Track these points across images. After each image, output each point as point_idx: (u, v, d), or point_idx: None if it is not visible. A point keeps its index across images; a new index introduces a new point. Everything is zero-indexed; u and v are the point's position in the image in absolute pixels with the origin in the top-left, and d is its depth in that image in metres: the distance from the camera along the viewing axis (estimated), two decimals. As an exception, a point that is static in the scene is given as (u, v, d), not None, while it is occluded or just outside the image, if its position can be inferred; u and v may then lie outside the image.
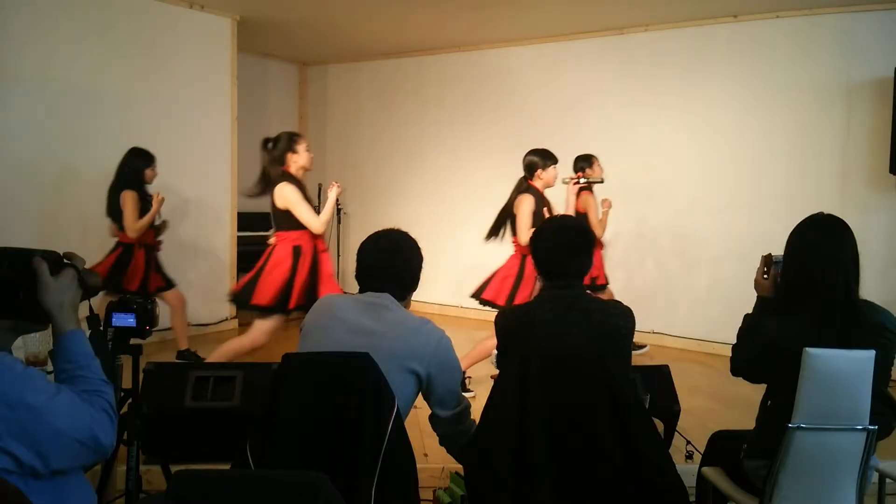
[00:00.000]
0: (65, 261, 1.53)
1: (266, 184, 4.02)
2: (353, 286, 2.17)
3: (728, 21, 5.56)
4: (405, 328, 2.02)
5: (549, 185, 4.37)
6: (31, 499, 1.14)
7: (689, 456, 3.20)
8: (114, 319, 2.16)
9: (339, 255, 7.44)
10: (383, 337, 1.97)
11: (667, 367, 3.22)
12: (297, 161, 3.98)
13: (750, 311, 2.37)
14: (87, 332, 1.56)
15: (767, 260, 2.32)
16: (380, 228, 2.21)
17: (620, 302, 2.22)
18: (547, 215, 4.20)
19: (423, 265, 2.18)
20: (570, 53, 6.40)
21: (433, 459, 3.11)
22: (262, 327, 3.91)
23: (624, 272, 5.79)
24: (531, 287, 4.13)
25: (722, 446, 2.46)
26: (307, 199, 3.96)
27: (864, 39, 5.11)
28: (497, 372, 2.11)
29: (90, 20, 5.12)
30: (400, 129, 7.47)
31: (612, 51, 6.16)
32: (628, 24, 5.99)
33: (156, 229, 4.70)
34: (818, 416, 1.97)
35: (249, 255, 6.78)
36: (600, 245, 5.16)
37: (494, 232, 4.40)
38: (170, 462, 2.51)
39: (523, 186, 4.33)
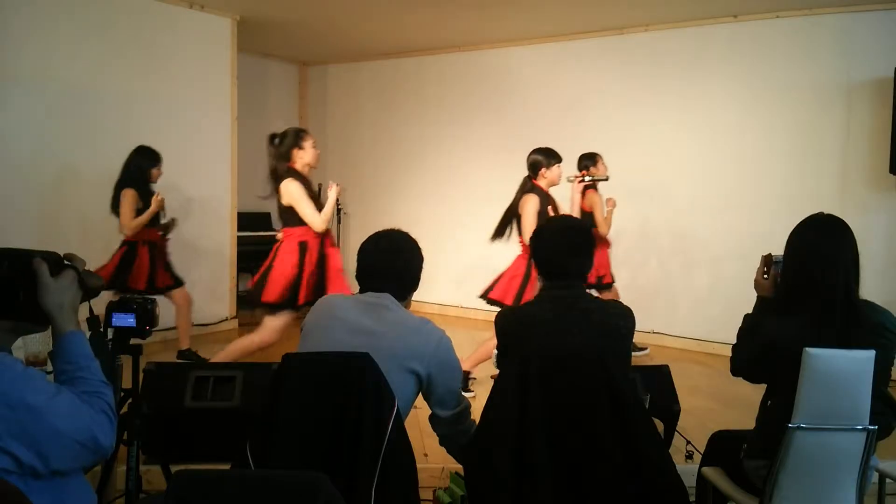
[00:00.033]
0: (65, 262, 1.53)
1: (276, 181, 4.03)
2: (354, 286, 2.17)
3: (728, 21, 5.56)
4: (405, 328, 2.02)
5: (553, 184, 4.36)
6: (31, 499, 1.14)
7: (689, 456, 3.20)
8: (114, 319, 2.16)
9: (339, 255, 7.44)
10: (383, 337, 1.97)
11: (667, 367, 3.22)
12: (303, 158, 3.99)
13: (750, 311, 2.37)
14: (88, 334, 1.56)
15: (767, 260, 2.32)
16: (380, 228, 2.21)
17: (620, 302, 2.22)
18: (552, 214, 4.20)
19: (424, 265, 2.18)
20: (570, 53, 6.40)
21: (433, 459, 3.11)
22: (271, 325, 3.91)
23: (624, 272, 5.78)
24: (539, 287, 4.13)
25: (722, 446, 2.46)
26: (313, 195, 3.97)
27: (864, 39, 5.11)
28: (497, 372, 2.11)
29: (90, 20, 5.12)
30: (400, 129, 7.47)
31: (612, 51, 6.16)
32: (628, 24, 5.99)
33: (164, 227, 4.71)
34: (818, 416, 1.97)
35: (249, 254, 6.82)
36: (607, 243, 5.18)
37: (500, 232, 4.39)
38: (170, 462, 2.51)
39: (528, 186, 4.32)
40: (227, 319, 6.12)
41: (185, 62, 5.69)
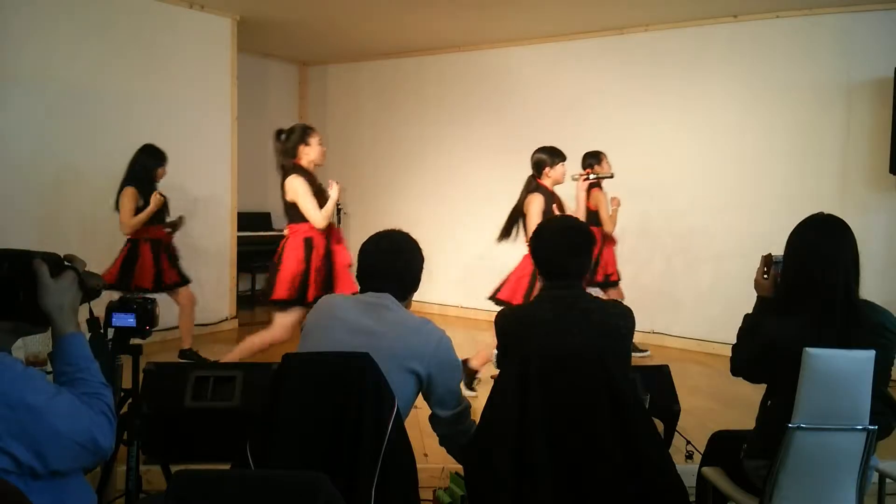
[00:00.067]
0: (65, 263, 1.53)
1: (282, 177, 4.05)
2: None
3: (728, 21, 5.56)
4: (405, 328, 2.02)
5: (558, 183, 4.36)
6: (30, 499, 1.14)
7: (689, 456, 3.20)
8: (114, 319, 2.16)
9: (339, 255, 7.44)
10: (383, 337, 1.97)
11: (667, 367, 3.22)
12: (309, 154, 4.00)
13: (750, 311, 2.37)
14: (88, 335, 1.56)
15: (767, 260, 2.31)
16: (380, 228, 2.21)
17: (620, 302, 2.22)
18: (557, 212, 4.20)
19: (424, 265, 2.18)
20: (570, 53, 6.40)
21: (433, 459, 3.11)
22: (282, 322, 3.92)
23: (625, 272, 5.76)
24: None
25: (722, 446, 2.46)
26: (318, 192, 3.97)
27: (864, 39, 5.11)
28: (497, 372, 2.11)
29: (90, 20, 5.12)
30: (400, 129, 7.47)
31: (612, 51, 6.16)
32: (628, 24, 5.99)
33: (171, 225, 4.71)
34: (818, 416, 1.97)
35: (249, 254, 6.83)
36: (613, 241, 5.19)
37: (506, 233, 4.38)
38: (170, 462, 2.51)
39: (532, 185, 4.32)
40: (227, 319, 6.12)
41: (185, 62, 5.69)
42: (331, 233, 4.03)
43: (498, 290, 4.31)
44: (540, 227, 2.38)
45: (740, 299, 2.71)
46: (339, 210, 7.42)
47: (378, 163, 7.58)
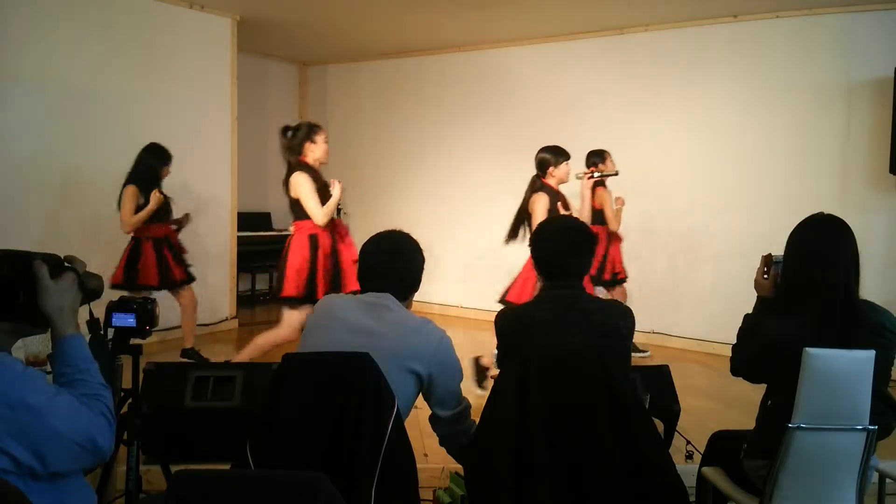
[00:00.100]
0: (65, 264, 1.53)
1: (287, 174, 4.06)
2: (355, 286, 2.18)
3: (728, 21, 5.56)
4: (406, 328, 2.02)
5: (562, 182, 4.36)
6: (30, 499, 1.14)
7: (689, 456, 3.20)
8: (114, 319, 2.16)
9: (339, 255, 7.44)
10: (384, 337, 1.97)
11: (667, 367, 3.22)
12: (314, 152, 4.04)
13: (750, 311, 2.37)
14: (88, 336, 1.56)
15: (767, 260, 2.31)
16: (380, 228, 2.21)
17: (620, 302, 2.23)
18: (563, 211, 4.20)
19: (424, 265, 2.18)
20: (570, 53, 6.40)
21: (433, 459, 3.11)
22: (290, 321, 3.94)
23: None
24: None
25: (722, 446, 2.46)
26: (322, 189, 3.98)
27: (864, 39, 5.11)
28: (497, 372, 2.11)
29: (90, 20, 5.12)
30: (400, 129, 7.47)
31: (612, 51, 6.16)
32: (628, 24, 5.99)
33: (176, 222, 4.72)
34: (818, 416, 1.97)
35: (249, 254, 6.83)
36: (618, 239, 5.20)
37: (514, 234, 4.37)
38: (170, 462, 2.51)
39: (537, 185, 4.32)
40: (227, 319, 6.12)
41: (185, 62, 5.69)
42: (335, 229, 4.04)
43: (506, 292, 4.30)
44: (540, 227, 2.38)
45: (740, 299, 2.71)
46: (339, 210, 7.43)
47: (378, 163, 7.58)
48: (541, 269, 2.23)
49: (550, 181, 4.30)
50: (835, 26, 5.20)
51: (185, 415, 2.95)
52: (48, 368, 1.50)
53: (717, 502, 2.47)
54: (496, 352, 2.24)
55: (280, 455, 1.79)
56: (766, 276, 2.31)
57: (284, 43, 7.13)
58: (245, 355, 4.00)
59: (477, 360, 4.26)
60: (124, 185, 4.44)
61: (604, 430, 1.85)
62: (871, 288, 2.29)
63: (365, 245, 2.17)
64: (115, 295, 2.31)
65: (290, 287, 3.91)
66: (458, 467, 2.49)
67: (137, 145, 4.58)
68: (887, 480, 2.53)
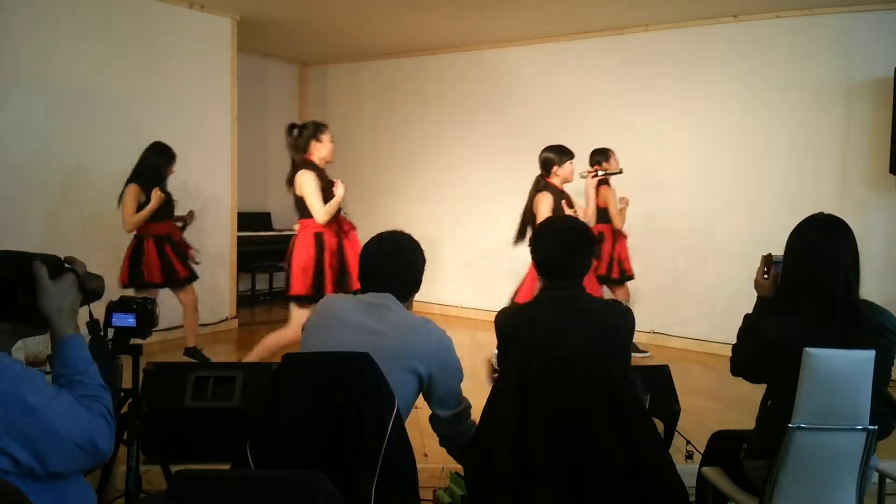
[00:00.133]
0: (65, 265, 1.52)
1: (293, 172, 4.07)
2: (356, 286, 2.18)
3: (728, 21, 5.56)
4: (406, 328, 2.02)
5: (566, 181, 4.37)
6: (30, 499, 1.14)
7: (689, 456, 3.20)
8: (114, 319, 2.16)
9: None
10: (385, 337, 1.97)
11: (667, 367, 3.22)
12: (320, 151, 4.05)
13: (750, 311, 2.37)
14: (88, 337, 1.56)
15: (767, 260, 2.31)
16: (380, 228, 2.21)
17: (620, 301, 2.23)
18: (567, 210, 4.21)
19: (425, 266, 2.19)
20: (570, 53, 6.40)
21: (433, 459, 3.11)
22: (299, 319, 3.95)
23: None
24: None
25: (722, 446, 2.46)
26: (327, 188, 3.99)
27: (864, 39, 5.11)
28: (498, 368, 2.12)
29: (90, 20, 5.12)
30: (400, 129, 7.47)
31: (612, 51, 6.16)
32: (628, 24, 5.99)
33: (180, 219, 4.72)
34: (818, 416, 1.97)
35: (249, 254, 6.83)
36: (623, 236, 5.21)
37: (521, 235, 4.36)
38: (170, 462, 2.51)
39: (541, 184, 4.32)
40: (227, 319, 6.12)
41: (185, 62, 5.69)
42: (340, 226, 4.05)
43: (515, 294, 4.30)
44: (540, 227, 2.38)
45: (740, 299, 2.71)
46: (339, 210, 7.44)
47: (378, 163, 7.58)
48: (541, 269, 2.23)
49: (554, 180, 4.31)
50: (835, 26, 5.20)
51: (185, 415, 2.95)
52: (48, 369, 1.50)
53: (717, 502, 2.47)
54: (496, 352, 2.24)
55: (280, 455, 1.79)
56: (766, 276, 2.31)
57: (284, 43, 7.13)
58: (254, 356, 4.02)
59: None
60: (126, 184, 4.44)
61: (604, 430, 1.85)
62: (871, 288, 2.29)
63: (366, 245, 2.17)
64: (121, 294, 2.31)
65: (298, 286, 3.92)
66: (458, 467, 2.49)
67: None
68: (887, 480, 2.53)
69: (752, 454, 2.19)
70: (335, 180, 4.04)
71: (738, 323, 2.33)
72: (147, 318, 2.18)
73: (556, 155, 4.32)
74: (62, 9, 4.96)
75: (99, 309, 1.96)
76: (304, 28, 6.46)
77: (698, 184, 5.76)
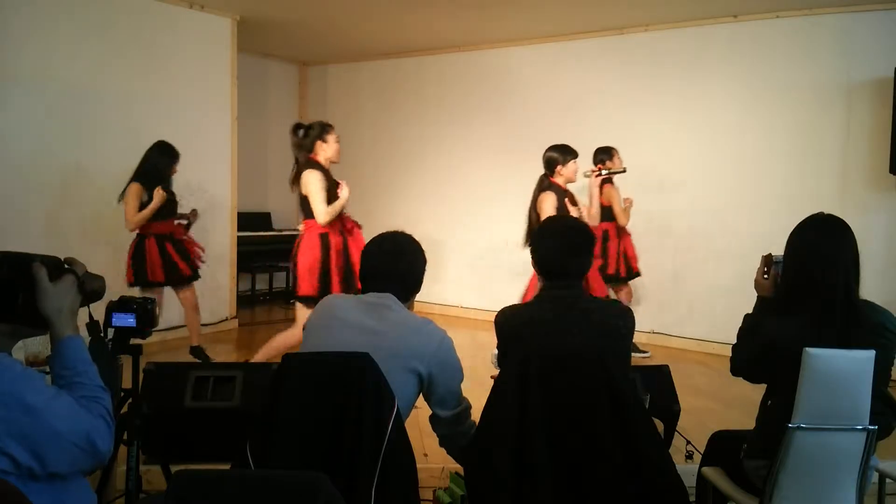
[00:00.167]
0: (65, 266, 1.52)
1: (298, 172, 4.08)
2: (356, 286, 2.18)
3: (728, 21, 5.56)
4: (407, 328, 2.03)
5: (570, 181, 4.37)
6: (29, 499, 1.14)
7: (689, 456, 3.20)
8: (114, 319, 2.16)
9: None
10: (385, 337, 1.97)
11: (667, 367, 3.22)
12: (326, 151, 4.06)
13: (750, 311, 2.37)
14: (88, 339, 1.56)
15: (767, 260, 2.31)
16: (380, 228, 2.22)
17: (620, 301, 2.23)
18: (570, 207, 4.21)
19: (426, 267, 2.19)
20: (570, 53, 6.40)
21: (433, 459, 3.11)
22: (304, 319, 3.95)
23: (624, 272, 5.79)
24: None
25: (722, 446, 2.46)
26: (332, 189, 4.00)
27: (864, 39, 5.11)
28: (497, 372, 2.11)
29: (90, 20, 5.12)
30: (400, 129, 7.47)
31: (612, 51, 6.16)
32: (628, 24, 5.99)
33: (183, 216, 4.73)
34: (818, 416, 1.97)
35: (249, 254, 6.83)
36: (627, 233, 5.22)
37: (530, 236, 4.39)
38: (170, 462, 2.51)
39: (545, 184, 4.33)
40: (227, 319, 6.12)
41: (185, 62, 5.69)
42: (344, 225, 4.05)
43: (525, 295, 4.30)
44: (540, 227, 2.38)
45: (740, 299, 2.71)
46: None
47: (378, 163, 7.58)
48: (541, 270, 2.23)
49: (558, 180, 4.31)
50: (835, 26, 5.20)
51: (185, 415, 2.95)
52: (48, 369, 1.50)
53: (717, 502, 2.47)
54: (496, 352, 2.24)
55: (280, 455, 1.79)
56: (766, 276, 2.31)
57: (284, 43, 7.13)
58: (261, 356, 4.04)
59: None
60: (129, 183, 4.44)
61: (604, 430, 1.85)
62: (871, 288, 2.29)
63: (367, 245, 2.18)
64: (121, 294, 2.31)
65: (305, 286, 3.94)
66: (458, 467, 2.49)
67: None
68: (887, 480, 2.53)
69: (752, 454, 2.19)
70: (340, 182, 4.05)
71: (738, 323, 2.33)
72: (147, 318, 2.18)
73: (560, 154, 4.33)
74: (62, 9, 4.96)
75: (100, 309, 1.96)
76: (304, 28, 6.46)
77: (698, 184, 5.76)
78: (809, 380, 1.96)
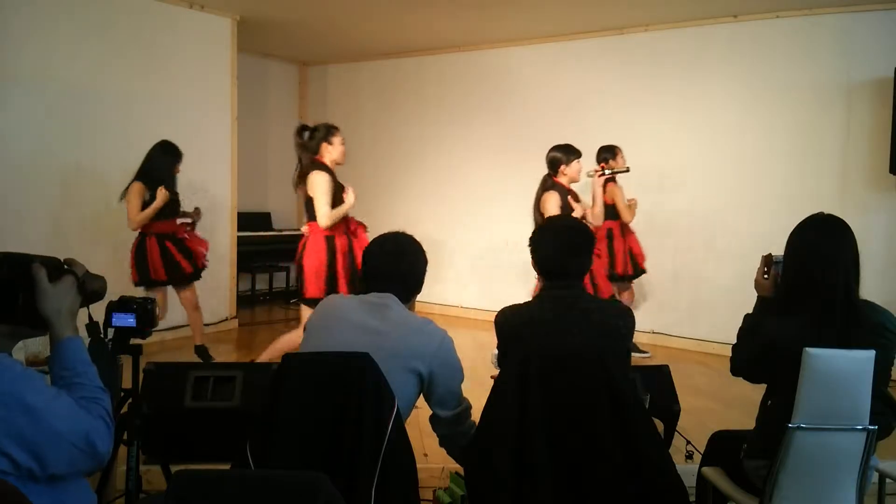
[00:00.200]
0: (65, 267, 1.53)
1: (302, 174, 4.07)
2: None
3: (728, 21, 5.56)
4: (408, 328, 2.03)
5: (574, 181, 4.37)
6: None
7: (689, 456, 3.20)
8: (114, 319, 2.16)
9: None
10: (387, 336, 1.97)
11: (667, 367, 3.22)
12: (331, 153, 4.06)
13: (750, 311, 2.37)
14: (87, 340, 1.56)
15: (767, 260, 2.32)
16: (380, 228, 2.23)
17: (620, 301, 2.23)
18: (574, 205, 4.22)
19: (427, 267, 2.19)
20: (570, 53, 6.40)
21: (433, 459, 3.11)
22: None
23: (624, 272, 5.78)
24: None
25: (722, 446, 2.46)
26: (337, 191, 4.00)
27: (864, 39, 5.11)
28: (497, 372, 2.12)
29: (90, 20, 5.12)
30: (400, 129, 7.47)
31: (612, 51, 6.16)
32: (628, 24, 5.99)
33: (186, 214, 4.72)
34: (818, 416, 1.97)
35: (249, 254, 6.83)
36: (631, 231, 5.22)
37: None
38: (170, 462, 2.51)
39: (548, 184, 4.33)
40: (227, 319, 6.12)
41: (185, 62, 5.69)
42: (347, 226, 4.06)
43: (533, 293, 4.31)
44: (540, 227, 2.38)
45: (740, 299, 2.71)
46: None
47: (378, 163, 7.58)
48: (541, 270, 2.23)
49: (562, 179, 4.32)
50: (835, 26, 5.20)
51: (185, 415, 2.95)
52: (48, 369, 1.50)
53: (717, 502, 2.47)
54: (496, 352, 2.24)
55: (280, 455, 1.79)
56: (766, 276, 2.31)
57: (284, 43, 7.13)
58: (265, 357, 4.05)
59: None
60: (131, 182, 4.44)
61: (604, 430, 1.85)
62: (871, 288, 2.29)
63: (369, 246, 2.19)
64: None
65: (312, 289, 3.93)
66: (458, 467, 2.49)
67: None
68: (887, 480, 2.53)
69: (752, 454, 2.19)
70: (347, 187, 4.04)
71: (738, 323, 2.33)
72: (147, 318, 2.18)
73: (564, 154, 4.33)
74: (62, 9, 4.96)
75: (100, 309, 1.96)
76: (304, 28, 6.46)
77: (698, 184, 5.76)
78: (809, 380, 1.96)
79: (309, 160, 4.04)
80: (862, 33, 5.11)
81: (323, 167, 4.00)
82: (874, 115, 5.04)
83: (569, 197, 4.25)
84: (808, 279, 2.11)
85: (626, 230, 5.17)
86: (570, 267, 2.16)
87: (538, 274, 2.25)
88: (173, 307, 4.76)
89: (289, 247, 7.30)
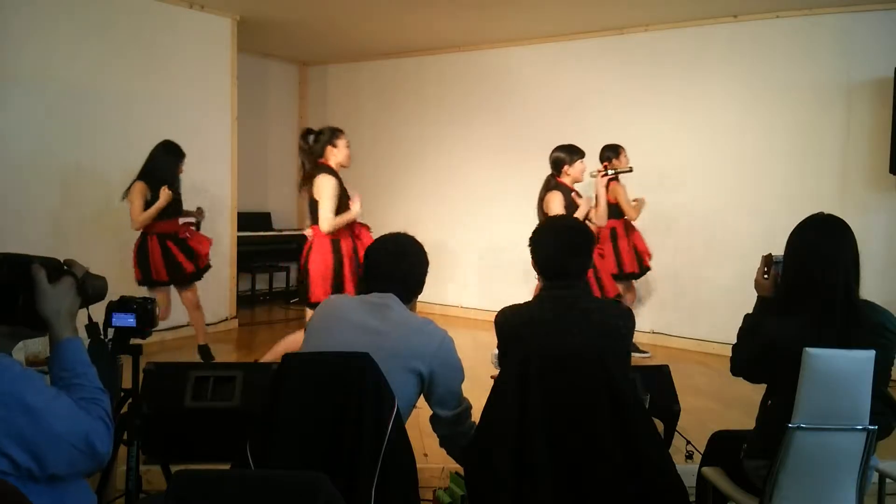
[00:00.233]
0: (64, 268, 1.53)
1: (307, 177, 4.07)
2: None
3: (728, 21, 5.56)
4: (408, 328, 2.03)
5: (577, 181, 4.38)
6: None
7: (689, 456, 3.20)
8: (114, 319, 2.16)
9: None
10: (387, 336, 1.98)
11: (667, 367, 3.22)
12: (336, 156, 4.06)
13: (750, 311, 2.37)
14: (87, 341, 1.56)
15: (767, 260, 2.32)
16: (380, 228, 2.23)
17: (620, 301, 2.23)
18: (578, 200, 4.22)
19: (428, 268, 2.19)
20: (570, 53, 6.40)
21: (433, 459, 3.11)
22: None
23: (624, 272, 5.78)
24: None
25: (722, 446, 2.46)
26: (343, 195, 4.00)
27: (864, 39, 5.11)
28: (497, 372, 2.12)
29: (90, 20, 5.12)
30: (400, 129, 7.47)
31: (612, 51, 6.16)
32: (628, 24, 5.99)
33: (189, 213, 4.73)
34: (818, 416, 1.97)
35: (249, 254, 6.83)
36: (635, 229, 5.23)
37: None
38: (170, 462, 2.51)
39: (552, 184, 4.34)
40: (227, 319, 6.12)
41: (185, 62, 5.69)
42: (351, 229, 4.06)
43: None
44: (540, 227, 2.38)
45: (740, 299, 2.71)
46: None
47: (378, 163, 7.57)
48: (540, 270, 2.23)
49: (565, 179, 4.32)
50: (835, 26, 5.20)
51: (185, 415, 2.95)
52: (48, 369, 1.50)
53: (717, 502, 2.47)
54: (496, 352, 2.24)
55: (280, 455, 1.79)
56: (766, 276, 2.31)
57: (284, 43, 7.13)
58: (269, 357, 4.05)
59: None
60: (133, 181, 4.43)
61: (604, 430, 1.85)
62: (871, 288, 2.29)
63: (370, 246, 2.20)
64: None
65: (319, 292, 3.92)
66: (458, 467, 2.49)
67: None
68: (887, 480, 2.53)
69: (752, 454, 2.19)
70: (355, 195, 4.04)
71: (738, 323, 2.33)
72: (147, 318, 2.19)
73: (567, 154, 4.34)
74: (62, 9, 4.96)
75: (101, 309, 1.96)
76: (304, 28, 6.46)
77: (698, 184, 5.76)
78: (809, 380, 1.96)
79: (313, 163, 4.03)
80: (862, 33, 5.11)
81: (329, 170, 3.99)
82: (874, 115, 5.04)
83: (573, 195, 4.26)
84: (808, 279, 2.11)
85: (629, 228, 5.17)
86: (570, 267, 2.17)
87: (538, 274, 2.25)
88: (175, 307, 4.76)
89: (289, 247, 7.34)
